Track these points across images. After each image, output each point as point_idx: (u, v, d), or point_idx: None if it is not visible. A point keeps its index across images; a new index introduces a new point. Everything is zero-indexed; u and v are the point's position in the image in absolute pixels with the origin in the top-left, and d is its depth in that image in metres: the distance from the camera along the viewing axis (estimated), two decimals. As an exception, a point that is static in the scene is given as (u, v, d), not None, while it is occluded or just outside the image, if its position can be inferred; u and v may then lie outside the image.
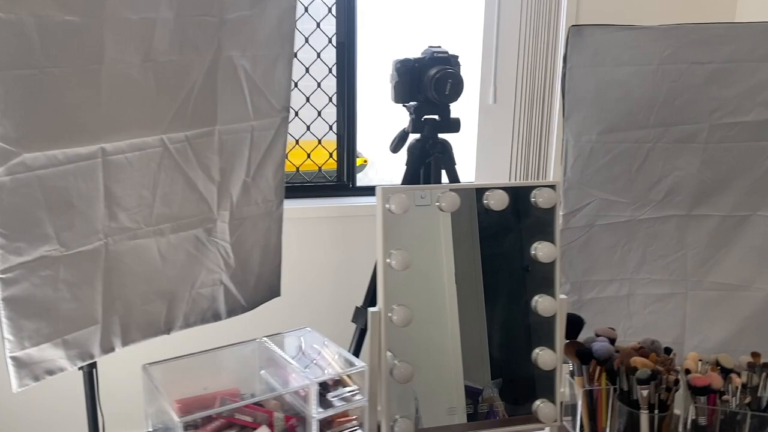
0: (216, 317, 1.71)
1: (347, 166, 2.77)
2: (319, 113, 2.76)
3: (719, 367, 1.56)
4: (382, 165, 4.26)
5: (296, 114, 2.70)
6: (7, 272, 1.31)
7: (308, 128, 2.79)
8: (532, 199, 1.49)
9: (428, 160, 1.81)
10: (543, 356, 1.50)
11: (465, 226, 1.49)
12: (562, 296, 1.54)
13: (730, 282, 1.75)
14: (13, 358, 1.38)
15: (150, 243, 1.54)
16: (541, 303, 1.51)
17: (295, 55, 2.63)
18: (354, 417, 1.35)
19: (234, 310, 1.74)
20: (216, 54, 1.48)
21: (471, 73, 2.82)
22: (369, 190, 2.73)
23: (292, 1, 1.56)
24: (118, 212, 1.45)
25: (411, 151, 1.82)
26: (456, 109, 1.88)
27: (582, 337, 1.65)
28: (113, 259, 1.48)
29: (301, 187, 2.79)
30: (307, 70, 2.72)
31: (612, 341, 1.65)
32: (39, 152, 1.27)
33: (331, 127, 2.80)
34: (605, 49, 1.55)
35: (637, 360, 1.51)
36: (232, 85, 1.54)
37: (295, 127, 2.81)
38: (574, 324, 1.67)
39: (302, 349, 1.50)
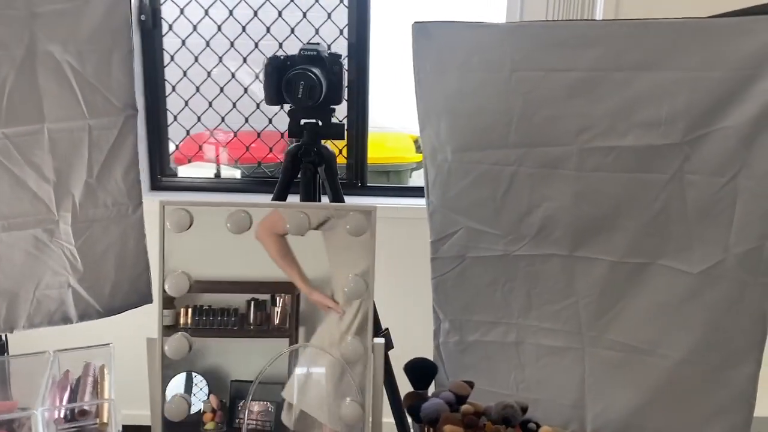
0: (66, 320, 1.66)
1: (357, 164, 2.61)
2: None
3: (573, 450, 1.26)
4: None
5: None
6: None
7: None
8: (347, 226, 1.28)
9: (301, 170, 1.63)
10: (346, 409, 1.30)
11: (263, 252, 1.31)
12: (378, 340, 1.32)
13: (631, 343, 1.41)
14: None
15: (-22, 240, 1.51)
16: (347, 347, 1.30)
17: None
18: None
19: (88, 315, 1.67)
20: (30, 49, 1.41)
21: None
22: (384, 191, 2.59)
23: (121, -8, 1.45)
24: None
25: (285, 158, 1.65)
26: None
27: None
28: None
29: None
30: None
31: (461, 398, 1.40)
32: None
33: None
34: (451, 51, 1.29)
35: (448, 429, 1.26)
36: (57, 81, 1.46)
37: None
38: (424, 371, 1.44)
39: (91, 369, 1.40)
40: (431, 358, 1.64)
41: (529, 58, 1.23)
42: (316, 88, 1.49)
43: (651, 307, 1.35)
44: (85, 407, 1.22)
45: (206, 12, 2.54)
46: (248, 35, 2.56)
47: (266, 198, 1.63)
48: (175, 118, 2.57)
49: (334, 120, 1.64)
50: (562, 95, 1.23)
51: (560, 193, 1.31)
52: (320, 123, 1.63)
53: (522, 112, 1.27)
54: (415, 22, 1.30)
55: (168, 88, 2.53)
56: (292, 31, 2.57)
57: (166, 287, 1.27)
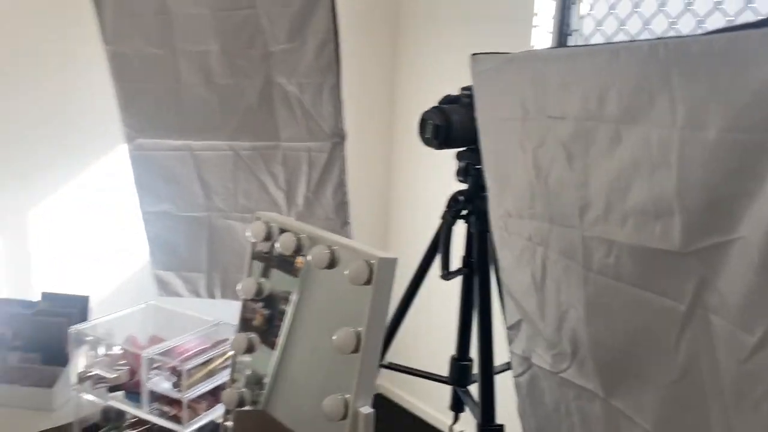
0: (288, 308, 1.96)
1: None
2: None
3: None
4: None
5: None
6: (145, 214, 2.02)
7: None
8: (345, 271, 1.20)
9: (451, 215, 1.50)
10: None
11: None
12: (364, 409, 1.19)
13: None
14: (155, 275, 2.09)
15: (238, 226, 1.97)
16: (327, 402, 1.21)
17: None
18: (179, 412, 1.48)
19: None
20: (266, 80, 1.75)
21: None
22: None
23: (328, 35, 1.64)
24: (213, 195, 1.95)
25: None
26: None
27: None
28: (214, 230, 1.99)
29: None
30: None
31: None
32: (147, 138, 1.91)
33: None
34: (496, 89, 1.02)
35: None
36: (287, 108, 1.77)
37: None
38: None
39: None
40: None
41: (535, 99, 0.87)
42: (441, 129, 1.37)
43: None
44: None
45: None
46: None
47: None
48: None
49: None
50: (562, 154, 0.83)
51: (576, 298, 0.88)
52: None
53: (536, 172, 0.91)
54: (473, 55, 1.07)
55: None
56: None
57: (238, 288, 1.43)
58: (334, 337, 1.18)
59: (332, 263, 1.24)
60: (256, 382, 1.41)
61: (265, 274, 1.39)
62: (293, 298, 1.33)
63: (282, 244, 1.33)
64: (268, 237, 1.40)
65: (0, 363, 1.76)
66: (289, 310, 1.33)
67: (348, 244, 1.24)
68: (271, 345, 1.37)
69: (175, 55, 1.78)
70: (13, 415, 1.65)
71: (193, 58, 1.78)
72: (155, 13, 1.77)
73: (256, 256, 1.42)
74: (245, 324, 1.44)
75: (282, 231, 1.34)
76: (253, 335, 1.43)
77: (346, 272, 1.17)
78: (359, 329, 1.16)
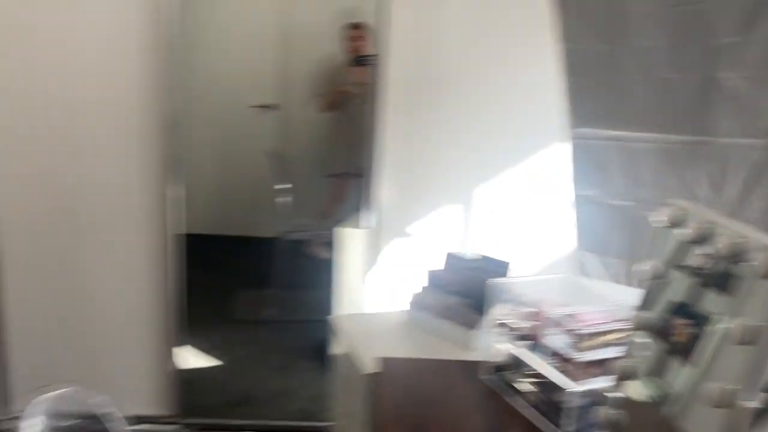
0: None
1: None
2: None
3: None
4: None
5: None
6: (576, 198, 2.22)
7: None
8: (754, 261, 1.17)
9: None
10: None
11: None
12: (747, 403, 1.16)
13: None
14: (578, 255, 2.29)
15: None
16: (710, 388, 1.21)
17: None
18: (571, 370, 1.63)
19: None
20: (706, 74, 1.73)
21: None
22: None
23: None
24: (638, 186, 2.03)
25: None
26: None
27: None
28: (637, 220, 2.07)
29: None
30: None
31: None
32: (587, 128, 2.09)
33: None
34: None
35: None
36: (723, 103, 1.72)
37: None
38: None
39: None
40: None
41: None
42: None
43: None
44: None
45: None
46: None
47: None
48: None
49: None
50: None
51: None
52: None
53: None
54: None
55: None
56: None
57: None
58: (729, 326, 1.15)
59: (738, 255, 1.21)
60: (666, 396, 1.32)
61: (694, 292, 1.21)
62: (723, 319, 1.14)
63: (690, 232, 1.33)
64: (675, 223, 1.42)
65: (443, 302, 2.17)
66: (716, 331, 1.21)
67: (761, 236, 1.19)
68: (685, 359, 1.24)
69: (622, 50, 1.90)
70: (442, 345, 2.04)
71: (637, 54, 1.87)
72: (612, 11, 1.92)
73: (689, 271, 1.38)
74: (661, 334, 1.42)
75: (690, 220, 1.34)
76: (648, 315, 1.46)
77: (754, 263, 1.13)
78: (759, 324, 1.12)
